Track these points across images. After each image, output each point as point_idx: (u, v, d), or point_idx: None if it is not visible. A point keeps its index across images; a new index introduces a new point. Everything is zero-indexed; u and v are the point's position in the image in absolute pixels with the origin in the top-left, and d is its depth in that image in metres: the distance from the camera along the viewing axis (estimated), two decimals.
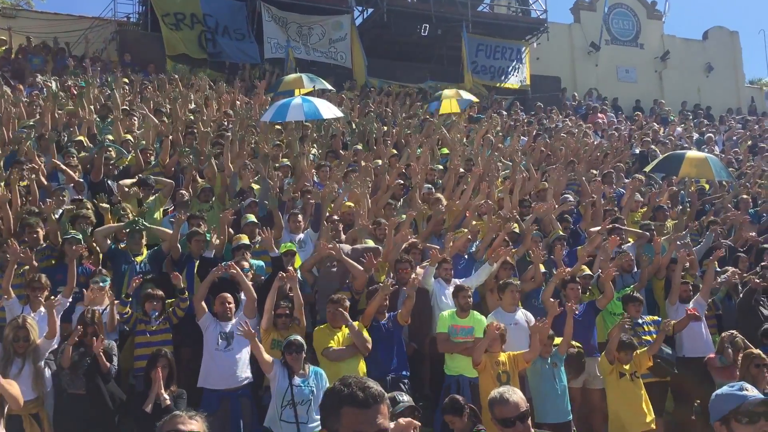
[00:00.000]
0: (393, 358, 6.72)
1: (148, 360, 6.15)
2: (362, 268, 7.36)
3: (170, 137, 10.92)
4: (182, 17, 19.85)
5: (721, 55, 29.02)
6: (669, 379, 7.60)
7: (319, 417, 5.00)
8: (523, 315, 7.24)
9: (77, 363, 6.02)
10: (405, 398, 4.39)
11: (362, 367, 6.47)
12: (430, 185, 10.85)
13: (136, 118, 12.28)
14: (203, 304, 6.60)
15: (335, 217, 8.72)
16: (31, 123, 11.11)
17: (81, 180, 9.38)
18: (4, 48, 15.87)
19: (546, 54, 25.39)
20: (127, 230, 7.92)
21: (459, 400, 5.46)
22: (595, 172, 12.53)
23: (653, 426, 6.85)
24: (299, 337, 6.10)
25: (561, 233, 9.15)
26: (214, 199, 9.46)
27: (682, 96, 26.11)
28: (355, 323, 6.60)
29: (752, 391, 2.81)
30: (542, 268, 7.97)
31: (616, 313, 7.80)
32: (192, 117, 12.85)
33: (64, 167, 9.40)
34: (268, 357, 6.02)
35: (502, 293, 7.31)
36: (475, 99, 16.17)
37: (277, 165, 10.62)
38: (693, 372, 7.57)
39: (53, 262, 7.42)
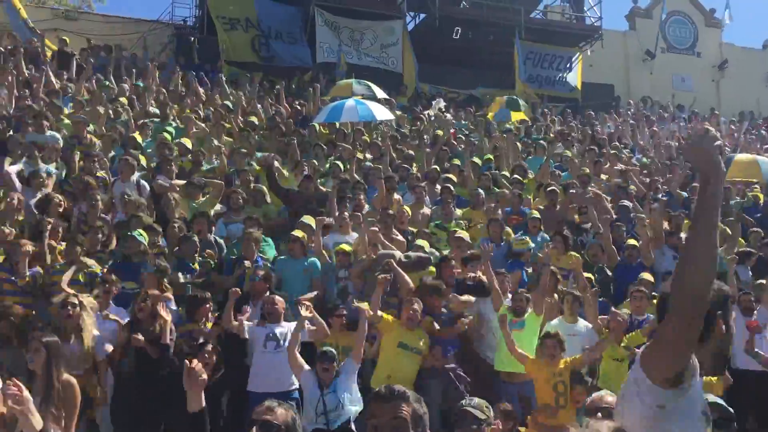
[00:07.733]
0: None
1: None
2: (409, 280, 7.05)
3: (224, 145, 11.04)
4: (236, 21, 20.18)
5: None
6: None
7: (347, 411, 5.44)
8: (583, 325, 7.00)
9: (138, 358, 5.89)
10: None
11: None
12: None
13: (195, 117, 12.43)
14: (234, 322, 6.27)
15: (390, 211, 8.50)
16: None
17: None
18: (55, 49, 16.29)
19: (599, 61, 25.01)
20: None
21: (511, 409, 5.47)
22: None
23: None
24: (332, 349, 5.87)
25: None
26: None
27: (740, 106, 25.35)
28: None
29: None
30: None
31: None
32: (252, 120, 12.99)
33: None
34: (301, 361, 5.84)
35: (561, 303, 7.15)
36: (524, 112, 15.52)
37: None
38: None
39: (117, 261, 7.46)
